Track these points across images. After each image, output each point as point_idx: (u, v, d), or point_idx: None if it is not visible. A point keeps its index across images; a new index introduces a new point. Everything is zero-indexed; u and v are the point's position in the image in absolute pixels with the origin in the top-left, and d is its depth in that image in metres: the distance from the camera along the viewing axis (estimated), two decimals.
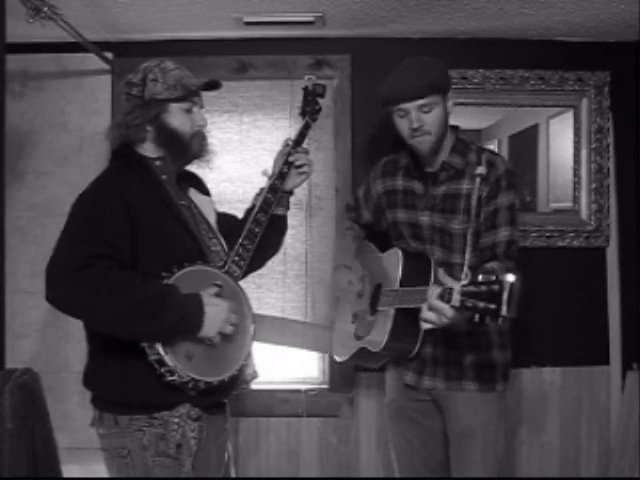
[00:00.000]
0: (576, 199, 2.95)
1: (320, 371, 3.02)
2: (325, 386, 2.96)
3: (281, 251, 2.88)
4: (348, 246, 2.34)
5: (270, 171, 2.01)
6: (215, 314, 1.68)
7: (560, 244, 2.93)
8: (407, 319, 2.00)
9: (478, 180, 1.99)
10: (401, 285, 2.02)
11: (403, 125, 2.05)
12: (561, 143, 2.95)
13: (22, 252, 2.86)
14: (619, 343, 2.94)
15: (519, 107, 2.93)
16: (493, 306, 1.56)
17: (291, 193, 2.11)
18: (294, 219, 2.93)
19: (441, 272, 1.80)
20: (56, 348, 2.86)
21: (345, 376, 2.89)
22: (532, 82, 2.91)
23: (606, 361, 2.95)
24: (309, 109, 2.12)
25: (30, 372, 2.00)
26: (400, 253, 2.07)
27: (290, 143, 2.04)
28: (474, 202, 1.99)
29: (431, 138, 2.03)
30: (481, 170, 2.00)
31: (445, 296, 1.68)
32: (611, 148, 2.94)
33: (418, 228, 2.12)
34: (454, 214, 2.04)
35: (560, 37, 2.91)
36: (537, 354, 2.89)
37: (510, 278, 1.55)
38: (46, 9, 2.19)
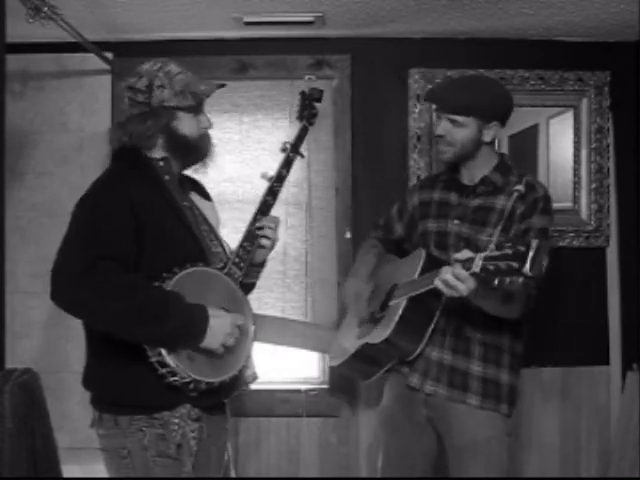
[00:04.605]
0: (576, 199, 2.95)
1: (320, 371, 3.02)
2: (325, 386, 2.96)
3: (281, 251, 2.92)
4: (368, 261, 2.32)
5: (270, 173, 2.01)
6: (219, 326, 1.68)
7: (560, 244, 2.92)
8: (416, 314, 1.99)
9: (515, 195, 2.00)
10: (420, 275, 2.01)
11: (436, 125, 2.15)
12: (561, 143, 2.95)
13: (22, 252, 2.86)
14: (619, 343, 2.94)
15: (519, 107, 2.91)
16: (516, 264, 1.59)
17: (262, 265, 2.00)
18: (294, 219, 2.93)
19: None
20: (56, 348, 2.86)
21: (345, 376, 2.88)
22: (532, 82, 2.91)
23: (606, 361, 2.95)
24: (306, 113, 2.12)
25: (30, 372, 2.00)
26: (423, 252, 2.07)
27: (288, 147, 2.05)
28: (506, 214, 1.99)
29: (453, 150, 2.06)
30: (519, 187, 2.01)
31: (467, 264, 1.70)
32: (611, 148, 2.94)
33: (444, 236, 2.11)
34: (484, 227, 2.03)
35: (560, 37, 2.91)
36: (537, 354, 2.88)
37: (536, 241, 1.59)
38: (46, 9, 2.19)
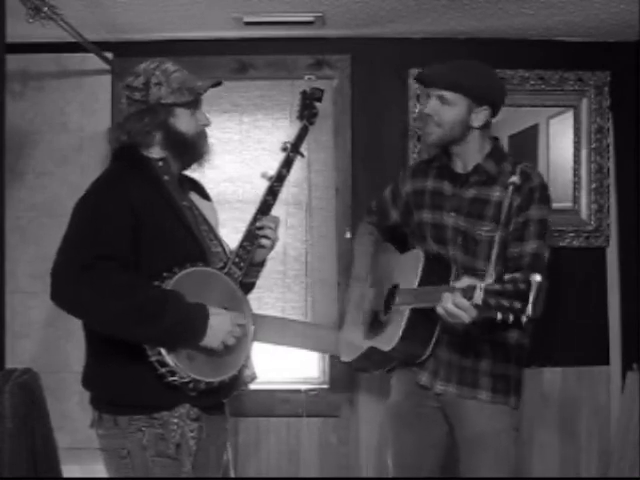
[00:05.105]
0: (576, 199, 2.95)
1: (320, 371, 3.02)
2: (325, 386, 2.96)
3: (281, 251, 2.92)
4: (366, 253, 2.31)
5: (270, 173, 2.01)
6: (219, 324, 1.68)
7: (560, 244, 2.92)
8: (421, 321, 1.97)
9: (511, 188, 1.95)
10: (419, 285, 1.99)
11: (424, 105, 2.10)
12: (561, 143, 2.95)
13: (22, 252, 2.86)
14: (619, 343, 2.94)
15: (519, 107, 2.93)
16: (518, 305, 1.56)
17: (262, 265, 2.02)
18: (294, 219, 2.93)
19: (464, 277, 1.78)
20: (56, 348, 2.86)
21: (345, 376, 2.89)
22: (532, 82, 2.91)
23: (606, 361, 2.95)
24: (307, 113, 2.12)
25: (30, 372, 2.00)
26: (421, 254, 2.05)
27: (288, 146, 2.05)
28: (505, 210, 1.95)
29: (441, 131, 2.01)
30: (514, 179, 1.96)
31: (468, 293, 1.66)
32: (611, 148, 2.94)
33: (442, 229, 2.08)
34: (481, 220, 2.00)
35: (560, 37, 2.91)
36: (537, 354, 2.87)
37: (537, 278, 1.56)
38: (46, 9, 2.19)
